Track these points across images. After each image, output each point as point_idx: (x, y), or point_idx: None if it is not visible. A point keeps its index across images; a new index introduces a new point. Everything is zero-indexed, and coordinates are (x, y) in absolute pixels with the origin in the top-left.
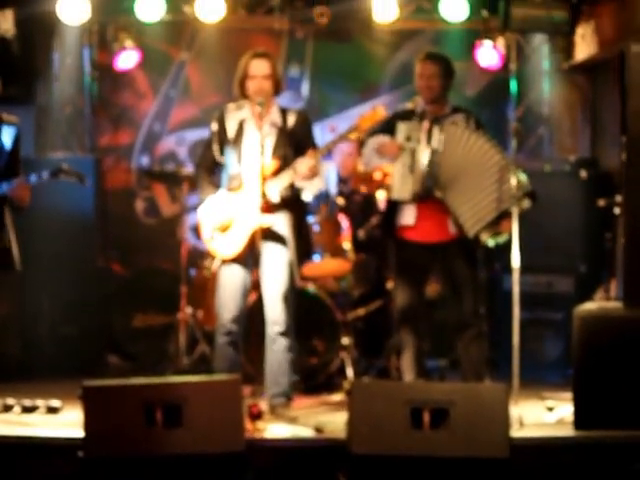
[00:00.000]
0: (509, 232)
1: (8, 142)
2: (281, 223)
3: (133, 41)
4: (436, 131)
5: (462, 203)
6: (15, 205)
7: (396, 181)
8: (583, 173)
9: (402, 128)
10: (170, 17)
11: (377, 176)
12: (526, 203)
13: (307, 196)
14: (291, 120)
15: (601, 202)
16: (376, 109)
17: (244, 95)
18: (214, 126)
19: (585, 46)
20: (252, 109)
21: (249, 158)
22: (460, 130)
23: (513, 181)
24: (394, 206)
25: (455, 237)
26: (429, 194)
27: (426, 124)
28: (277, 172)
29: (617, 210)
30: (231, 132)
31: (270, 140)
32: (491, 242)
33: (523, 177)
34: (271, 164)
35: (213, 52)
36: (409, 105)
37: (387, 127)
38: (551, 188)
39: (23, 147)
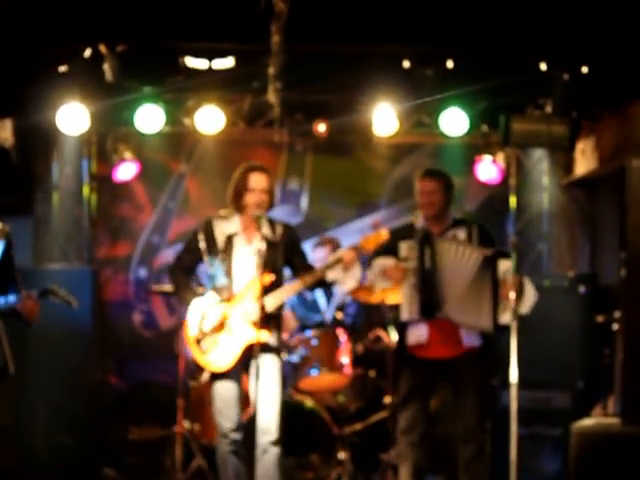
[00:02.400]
0: (516, 291)
1: None
2: (273, 333)
3: (132, 153)
4: (427, 251)
5: (466, 315)
6: (24, 319)
7: (404, 302)
8: (582, 289)
9: (402, 248)
10: (169, 129)
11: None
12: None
13: (347, 286)
14: (279, 232)
15: (599, 318)
16: (380, 232)
17: (239, 207)
18: (200, 235)
19: (585, 161)
20: (242, 222)
21: (240, 271)
22: (447, 245)
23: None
24: (405, 326)
25: (468, 349)
26: (433, 315)
27: (418, 245)
28: (271, 285)
29: (615, 326)
30: (220, 244)
31: (262, 253)
32: (524, 310)
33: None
34: (265, 277)
35: (212, 164)
36: (411, 219)
37: (389, 247)
38: (550, 304)
39: (21, 257)
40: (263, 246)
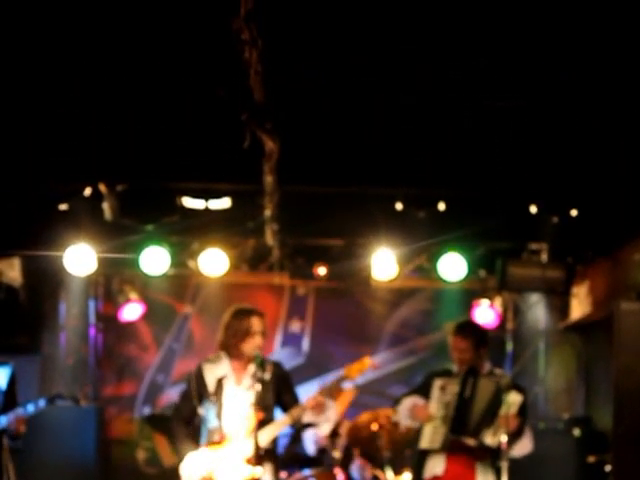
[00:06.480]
0: (513, 430)
1: (3, 382)
2: (268, 468)
3: (138, 294)
4: (470, 381)
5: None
6: (12, 435)
7: (427, 432)
8: (576, 431)
9: (438, 383)
10: (174, 271)
11: (374, 427)
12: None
13: (323, 430)
14: (268, 370)
15: (591, 458)
16: (363, 360)
17: (238, 350)
18: (192, 381)
19: (579, 305)
20: (232, 364)
21: (231, 412)
22: (488, 381)
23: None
24: (424, 458)
25: None
26: (459, 439)
27: (461, 375)
28: (262, 423)
29: (608, 467)
30: (210, 387)
31: (253, 393)
32: (514, 453)
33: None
34: (256, 416)
35: (216, 306)
36: (447, 367)
37: (424, 385)
38: (544, 445)
39: (29, 395)
40: (257, 385)
